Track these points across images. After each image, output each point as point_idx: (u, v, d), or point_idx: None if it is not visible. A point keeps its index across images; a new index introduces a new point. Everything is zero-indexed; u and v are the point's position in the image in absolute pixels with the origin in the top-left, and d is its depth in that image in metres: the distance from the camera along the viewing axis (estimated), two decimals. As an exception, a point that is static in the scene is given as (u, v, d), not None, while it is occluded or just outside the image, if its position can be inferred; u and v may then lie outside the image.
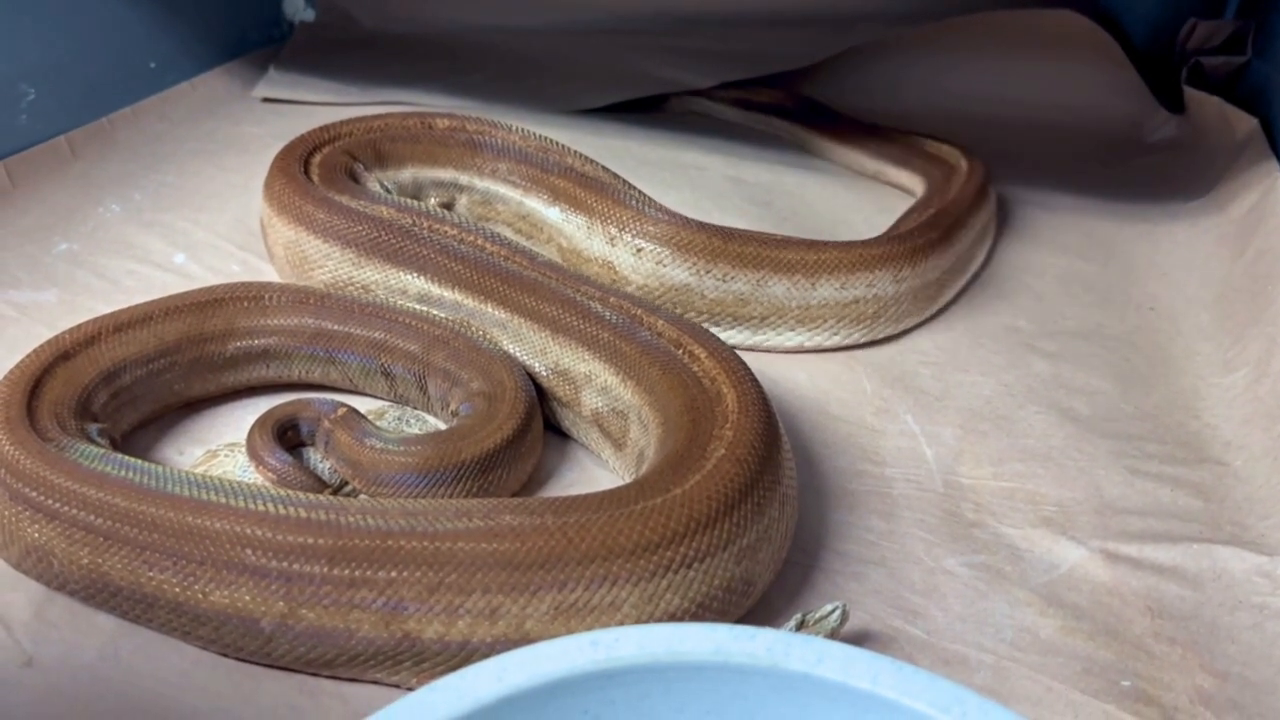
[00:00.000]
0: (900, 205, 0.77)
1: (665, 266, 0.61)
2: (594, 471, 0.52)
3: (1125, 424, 0.57)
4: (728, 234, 0.61)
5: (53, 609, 0.42)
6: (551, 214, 0.67)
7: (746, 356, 0.51)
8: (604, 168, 0.68)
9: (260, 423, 0.48)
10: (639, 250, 0.62)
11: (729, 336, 0.62)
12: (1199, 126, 0.89)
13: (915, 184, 0.82)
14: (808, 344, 0.62)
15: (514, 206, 0.69)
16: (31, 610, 0.42)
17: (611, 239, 0.63)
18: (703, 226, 0.61)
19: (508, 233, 0.69)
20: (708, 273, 0.61)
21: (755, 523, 0.41)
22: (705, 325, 0.61)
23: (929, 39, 0.97)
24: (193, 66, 0.93)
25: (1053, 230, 0.78)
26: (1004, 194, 0.82)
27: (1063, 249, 0.75)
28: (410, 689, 0.39)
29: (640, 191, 0.65)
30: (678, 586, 0.39)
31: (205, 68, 0.94)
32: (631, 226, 0.62)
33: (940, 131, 0.86)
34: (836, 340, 0.62)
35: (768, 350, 0.62)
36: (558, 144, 0.70)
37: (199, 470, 0.48)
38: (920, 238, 0.64)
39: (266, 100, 0.93)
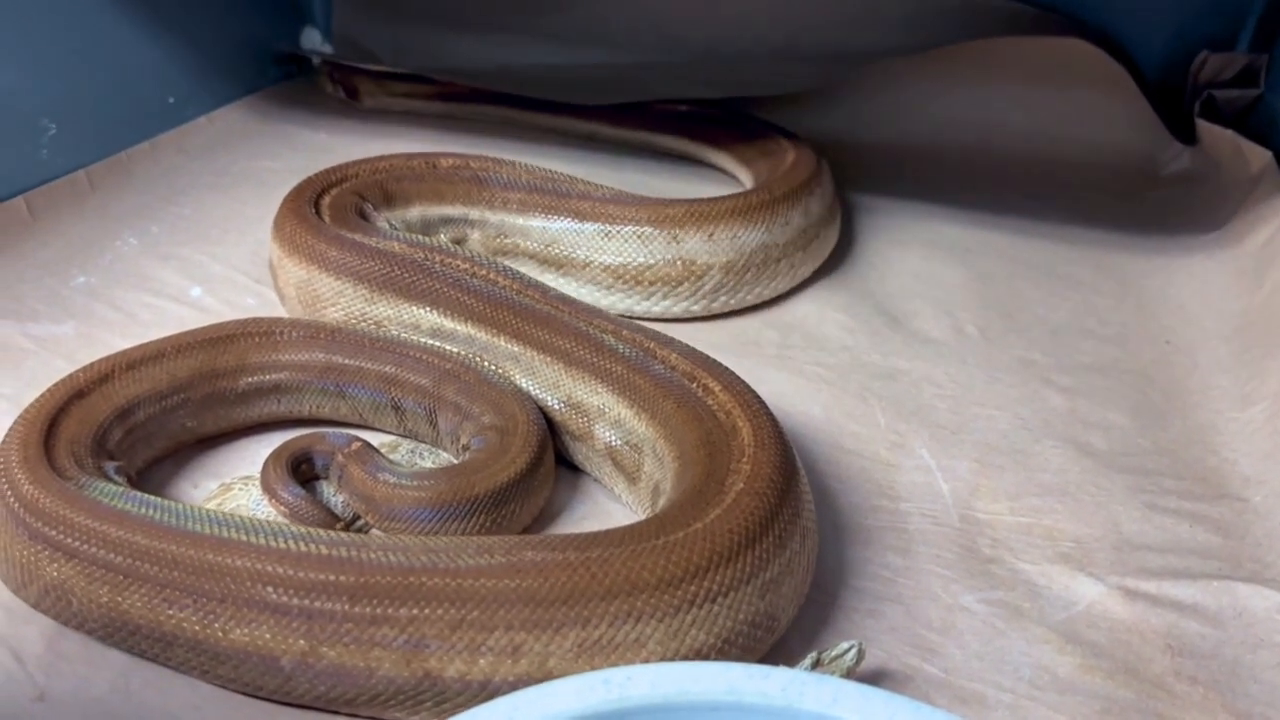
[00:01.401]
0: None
1: (740, 236, 0.67)
2: (607, 505, 0.52)
3: (1143, 459, 0.56)
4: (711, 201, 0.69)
5: (65, 643, 0.42)
6: (588, 230, 0.68)
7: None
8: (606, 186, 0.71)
9: (275, 456, 0.49)
10: (711, 234, 0.66)
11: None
12: (1213, 159, 0.88)
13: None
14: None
15: (536, 235, 0.69)
16: (44, 644, 0.42)
17: (676, 237, 0.66)
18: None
19: (528, 265, 0.70)
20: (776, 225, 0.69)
21: (778, 556, 0.41)
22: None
23: (936, 68, 0.97)
24: (210, 101, 0.94)
25: (1067, 263, 0.78)
26: (1016, 227, 0.82)
27: (1077, 282, 0.75)
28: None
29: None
30: (702, 622, 0.39)
31: (222, 102, 0.95)
32: (696, 216, 0.67)
33: (951, 162, 0.86)
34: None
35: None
36: (564, 174, 0.70)
37: (213, 503, 0.48)
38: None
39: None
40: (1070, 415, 0.60)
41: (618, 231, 0.67)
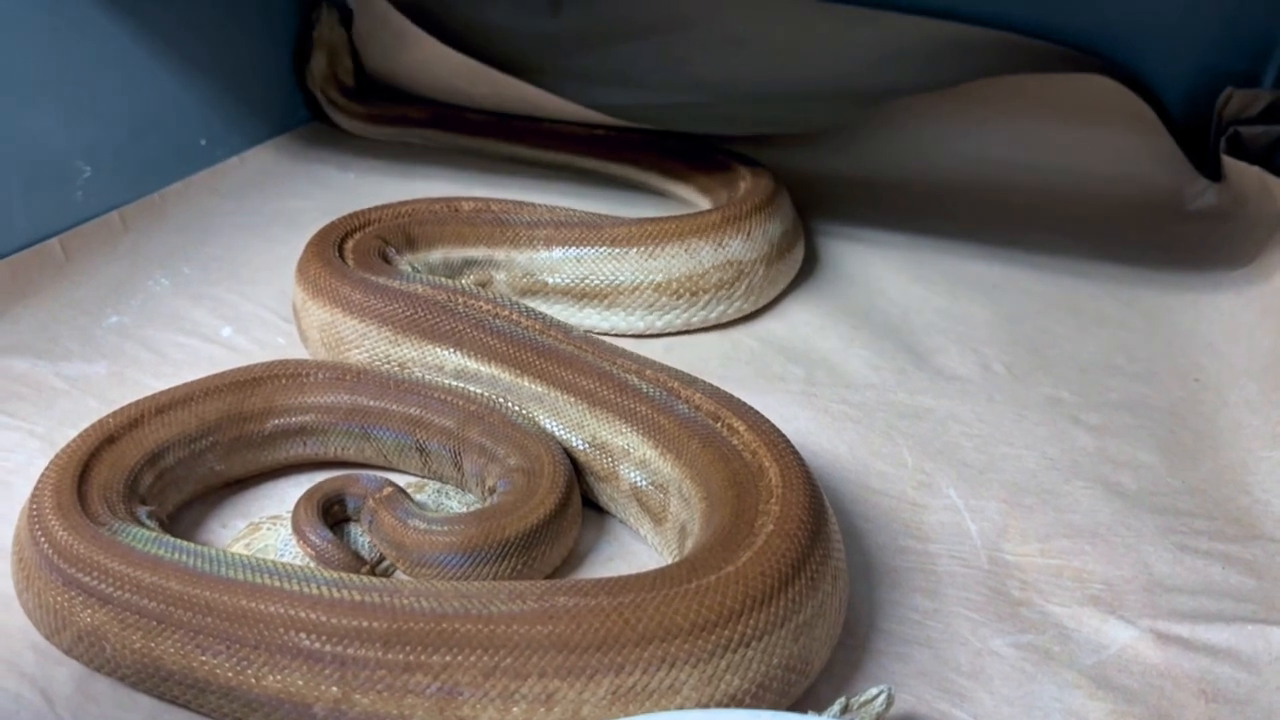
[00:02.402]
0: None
1: (769, 229, 0.74)
2: (633, 546, 0.52)
3: (1173, 499, 0.56)
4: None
5: (95, 685, 0.42)
6: (632, 254, 0.69)
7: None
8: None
9: (307, 497, 0.49)
10: (749, 234, 0.71)
11: None
12: (1239, 195, 0.88)
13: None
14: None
15: (569, 269, 0.70)
16: (74, 685, 0.42)
17: (720, 243, 0.70)
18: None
19: (562, 302, 0.70)
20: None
21: (810, 599, 0.41)
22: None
23: (960, 105, 0.97)
24: (242, 142, 0.95)
25: (1093, 300, 0.77)
26: (1042, 263, 0.82)
27: (1104, 319, 0.75)
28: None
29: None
30: (737, 666, 0.39)
31: (253, 143, 0.97)
32: (731, 219, 0.71)
33: (975, 198, 0.86)
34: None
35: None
36: (582, 210, 0.73)
37: (241, 542, 0.49)
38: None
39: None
40: (1099, 454, 0.59)
41: (662, 250, 0.69)
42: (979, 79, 0.94)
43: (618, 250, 0.70)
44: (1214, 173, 0.93)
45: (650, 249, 0.70)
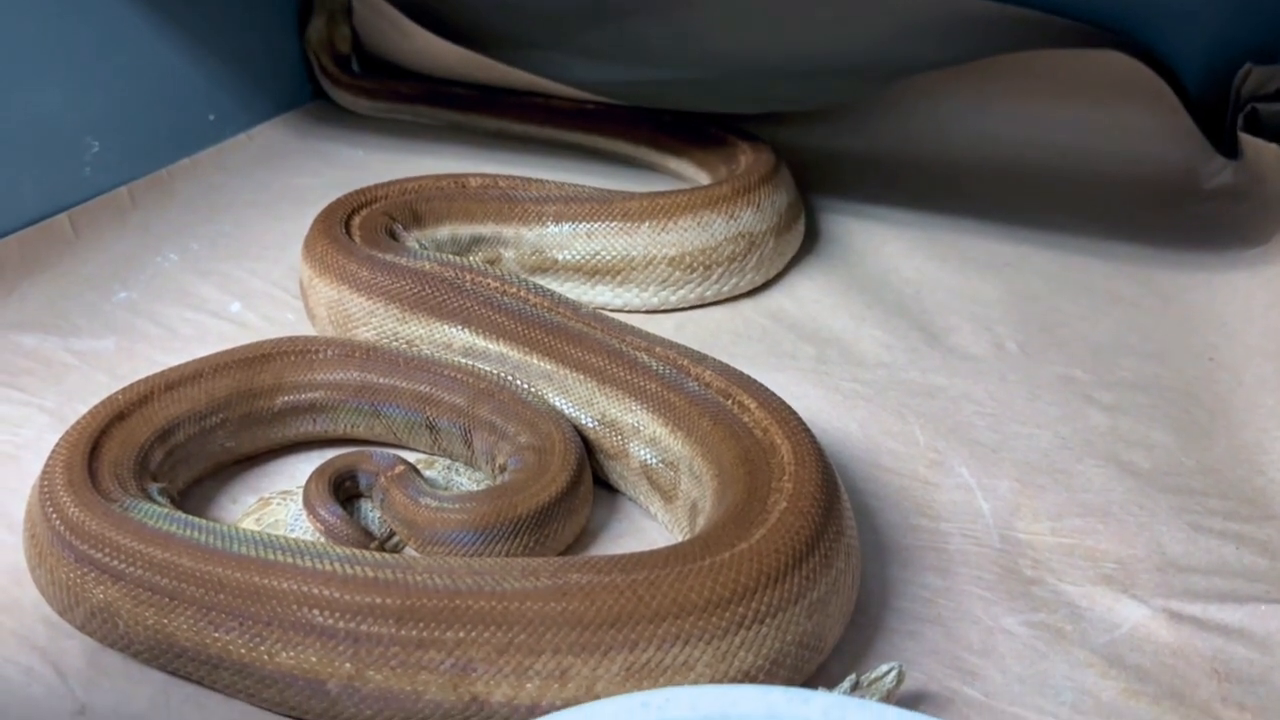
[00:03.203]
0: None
1: (776, 200, 0.74)
2: (643, 523, 0.52)
3: (1187, 478, 0.55)
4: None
5: (106, 657, 0.42)
6: (644, 228, 0.69)
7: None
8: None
9: (319, 472, 0.49)
10: (759, 206, 0.72)
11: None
12: (1256, 173, 0.87)
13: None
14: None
15: (580, 246, 0.69)
16: (85, 659, 0.42)
17: (733, 214, 0.70)
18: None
19: (573, 279, 0.70)
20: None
21: (824, 575, 0.41)
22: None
23: (973, 82, 0.96)
24: (249, 119, 0.95)
25: (1107, 278, 0.77)
26: (1056, 242, 0.82)
27: (1118, 297, 0.74)
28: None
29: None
30: (751, 643, 0.39)
31: (261, 119, 0.97)
32: (741, 190, 0.72)
33: (988, 176, 0.85)
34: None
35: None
36: (591, 186, 0.72)
37: (251, 517, 0.49)
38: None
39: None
40: (1112, 433, 0.59)
41: (675, 224, 0.69)
42: (993, 55, 0.93)
43: (629, 225, 0.69)
44: (1231, 150, 0.92)
45: (663, 223, 0.69)
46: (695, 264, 0.69)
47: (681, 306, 0.71)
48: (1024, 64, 0.94)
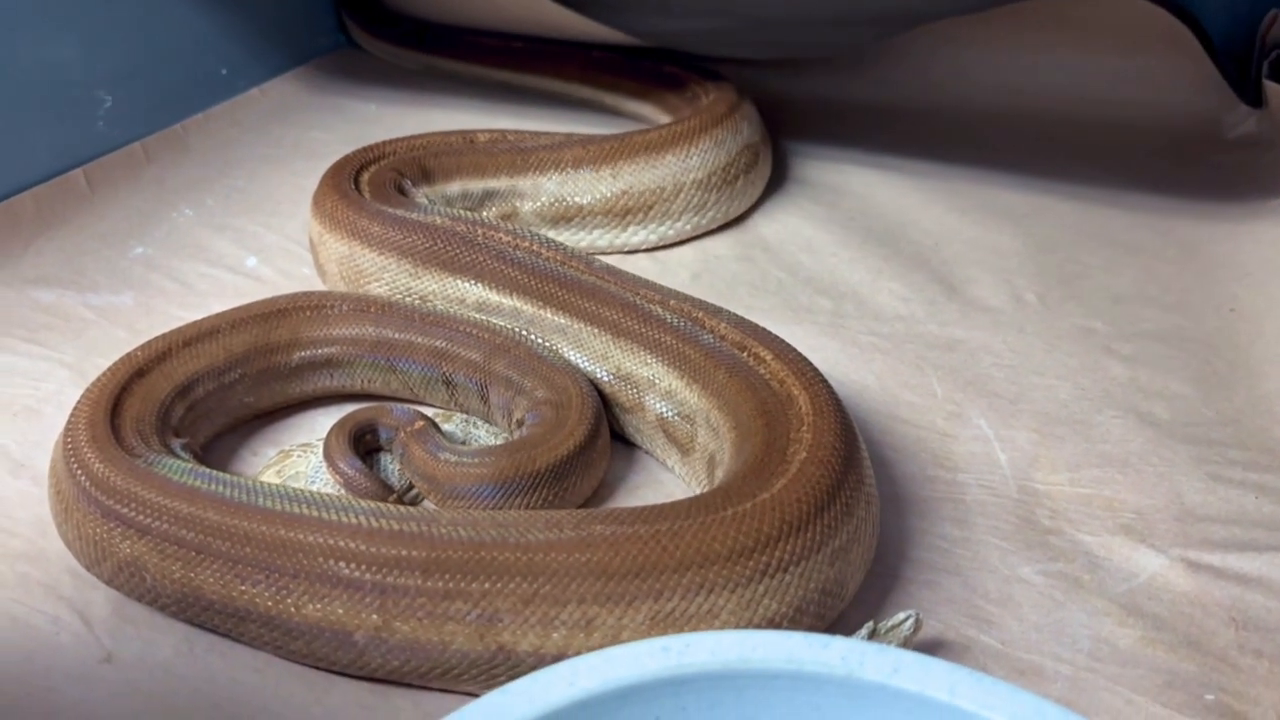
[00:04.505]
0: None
1: (755, 119, 0.79)
2: (660, 475, 0.52)
3: (1206, 429, 0.55)
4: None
5: (131, 607, 0.43)
6: (669, 159, 0.70)
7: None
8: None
9: (339, 426, 0.49)
10: (751, 119, 0.77)
11: None
12: (1280, 122, 0.86)
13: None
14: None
15: (604, 187, 0.70)
16: (110, 608, 0.43)
17: (738, 129, 0.74)
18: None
19: (597, 223, 0.70)
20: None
21: (845, 524, 0.41)
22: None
23: (995, 29, 0.95)
24: (262, 73, 0.95)
25: (1128, 229, 0.76)
26: (1076, 193, 0.81)
27: (1138, 248, 0.73)
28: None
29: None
30: (775, 591, 0.39)
31: (273, 73, 0.96)
32: (734, 106, 0.76)
33: (1009, 126, 0.84)
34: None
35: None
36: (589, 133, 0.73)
37: (272, 469, 0.49)
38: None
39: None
40: (1131, 385, 0.59)
41: (696, 148, 0.71)
42: (1015, 2, 0.91)
43: (653, 156, 0.70)
44: (1255, 99, 0.90)
45: (685, 149, 0.71)
46: (719, 181, 0.72)
47: (712, 228, 0.74)
48: (1046, 11, 0.92)
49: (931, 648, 0.42)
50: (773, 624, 0.39)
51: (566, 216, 0.70)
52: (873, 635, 0.39)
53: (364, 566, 0.38)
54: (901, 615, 0.40)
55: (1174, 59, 0.92)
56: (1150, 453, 0.53)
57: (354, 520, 0.40)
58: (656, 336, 0.52)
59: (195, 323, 0.54)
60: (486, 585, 0.38)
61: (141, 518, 0.41)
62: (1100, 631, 0.43)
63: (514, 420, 0.52)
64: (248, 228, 0.72)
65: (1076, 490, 0.51)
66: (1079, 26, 0.93)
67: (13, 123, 0.71)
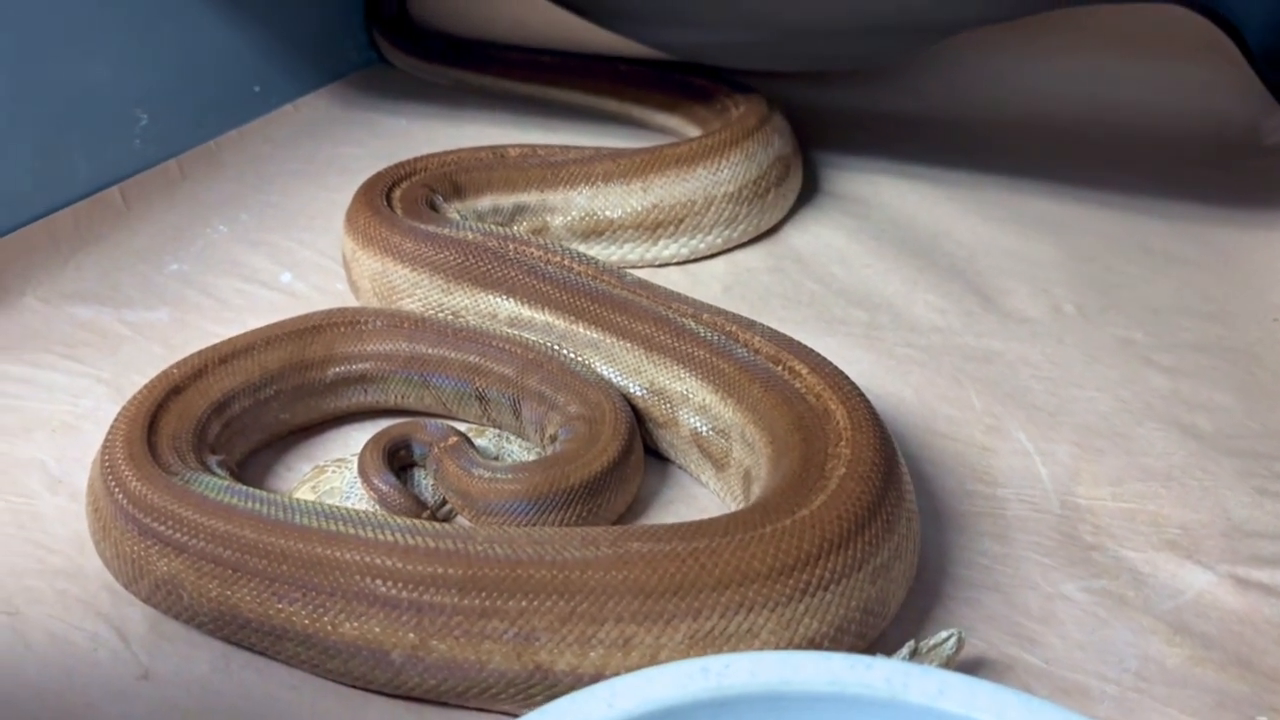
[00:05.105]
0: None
1: (785, 131, 0.79)
2: (694, 490, 0.52)
3: (1251, 441, 0.54)
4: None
5: (168, 623, 0.43)
6: (700, 172, 0.71)
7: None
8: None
9: (374, 441, 0.49)
10: (780, 130, 0.77)
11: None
12: (1321, 128, 0.85)
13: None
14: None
15: (635, 200, 0.70)
16: (147, 625, 0.43)
17: (769, 141, 0.75)
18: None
19: (628, 237, 0.70)
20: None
21: (886, 541, 0.40)
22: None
23: (1026, 38, 0.94)
24: (295, 89, 0.95)
25: (1165, 238, 0.75)
26: (1112, 201, 0.80)
27: (1177, 258, 0.72)
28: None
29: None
30: (815, 610, 0.38)
31: (306, 90, 0.97)
32: (763, 120, 0.76)
33: (1043, 134, 0.83)
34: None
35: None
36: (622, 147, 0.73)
37: (306, 484, 0.49)
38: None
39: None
40: (1173, 396, 0.58)
41: (727, 162, 0.71)
42: (1048, 10, 0.90)
43: (684, 170, 0.70)
44: (1295, 105, 0.89)
45: (716, 162, 0.71)
46: (750, 194, 0.72)
47: (744, 241, 0.74)
48: (1078, 18, 0.92)
49: (973, 667, 0.41)
50: (813, 644, 0.38)
51: (597, 230, 0.70)
52: (914, 654, 0.39)
53: (401, 584, 0.38)
54: (944, 634, 0.39)
55: (1210, 65, 0.91)
56: (1194, 466, 0.52)
57: (390, 538, 0.40)
58: (690, 350, 0.52)
59: (230, 339, 0.54)
60: (523, 603, 0.37)
61: (178, 535, 0.41)
62: (1147, 650, 0.42)
63: (547, 436, 0.52)
64: (281, 243, 0.73)
65: (1119, 505, 0.50)
66: (1112, 33, 0.92)
67: (53, 142, 0.72)
